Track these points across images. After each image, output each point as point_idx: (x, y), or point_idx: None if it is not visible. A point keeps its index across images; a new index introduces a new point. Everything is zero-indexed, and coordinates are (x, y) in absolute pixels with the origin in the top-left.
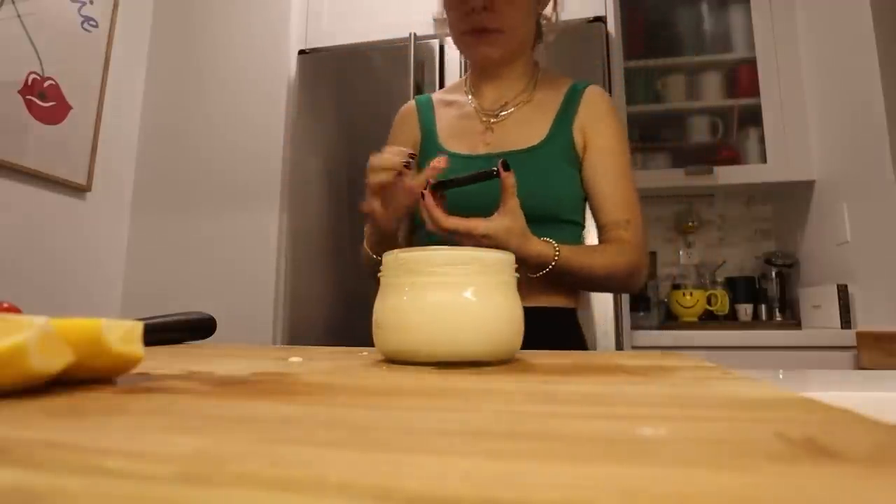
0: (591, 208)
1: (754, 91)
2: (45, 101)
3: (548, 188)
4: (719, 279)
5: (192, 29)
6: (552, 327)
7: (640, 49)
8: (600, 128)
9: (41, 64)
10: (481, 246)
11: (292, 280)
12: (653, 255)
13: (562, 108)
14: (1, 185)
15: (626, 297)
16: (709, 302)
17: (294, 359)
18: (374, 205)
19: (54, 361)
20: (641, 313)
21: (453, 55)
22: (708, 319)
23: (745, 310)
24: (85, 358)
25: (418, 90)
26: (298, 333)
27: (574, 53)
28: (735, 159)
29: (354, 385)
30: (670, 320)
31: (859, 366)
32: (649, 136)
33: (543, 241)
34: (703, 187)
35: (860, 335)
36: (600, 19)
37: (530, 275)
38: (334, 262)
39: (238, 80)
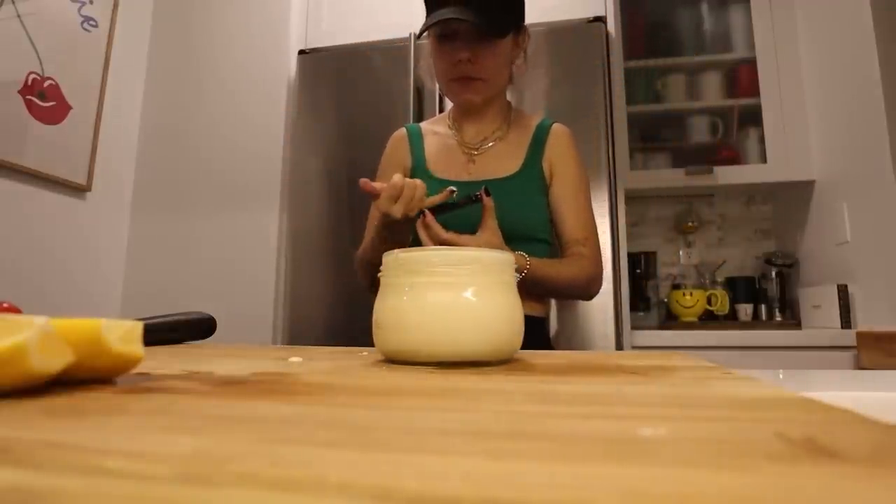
0: (556, 228)
1: (754, 91)
2: (45, 101)
3: (522, 211)
4: (719, 279)
5: (192, 29)
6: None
7: (640, 49)
8: (565, 160)
9: (41, 64)
10: None
11: (292, 280)
12: (653, 254)
13: (532, 144)
14: (1, 185)
15: (626, 298)
16: (709, 302)
17: (294, 359)
18: (392, 208)
19: (54, 361)
20: (641, 313)
21: None
22: (708, 319)
23: (745, 310)
24: (85, 358)
25: (418, 90)
26: (298, 333)
27: (574, 53)
28: (735, 159)
29: (354, 385)
30: (670, 320)
31: (859, 366)
32: (649, 136)
33: (517, 254)
34: (703, 187)
35: (860, 335)
36: (600, 19)
37: None
38: (334, 262)
39: (238, 80)
